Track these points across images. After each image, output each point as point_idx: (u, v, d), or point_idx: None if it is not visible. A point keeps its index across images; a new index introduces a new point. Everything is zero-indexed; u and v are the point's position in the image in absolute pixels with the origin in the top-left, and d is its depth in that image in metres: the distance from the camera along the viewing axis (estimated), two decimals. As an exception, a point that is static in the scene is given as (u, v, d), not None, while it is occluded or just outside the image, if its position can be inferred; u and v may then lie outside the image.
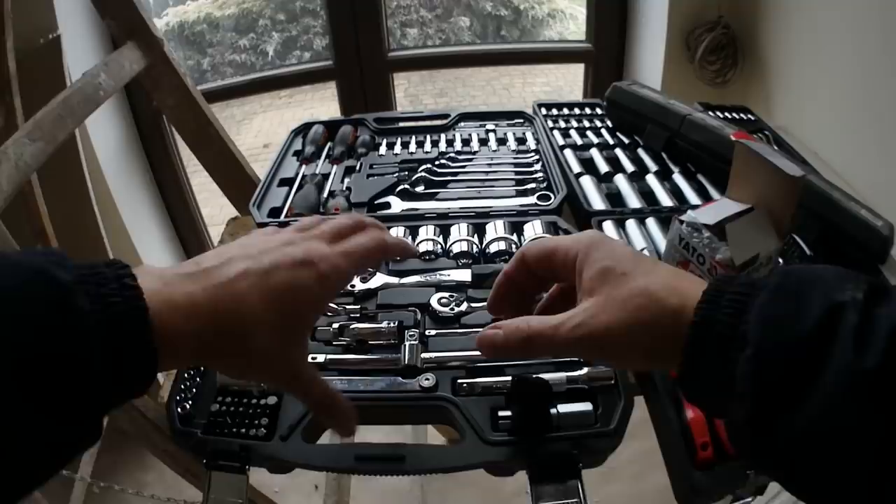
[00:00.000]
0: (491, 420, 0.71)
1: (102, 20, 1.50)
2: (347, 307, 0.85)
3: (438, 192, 1.14)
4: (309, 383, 0.51)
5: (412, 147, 1.29)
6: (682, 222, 0.79)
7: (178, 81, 1.52)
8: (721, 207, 0.81)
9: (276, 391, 0.73)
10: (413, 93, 5.42)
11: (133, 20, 1.44)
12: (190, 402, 0.73)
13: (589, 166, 1.19)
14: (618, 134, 1.30)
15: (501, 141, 1.31)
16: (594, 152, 1.23)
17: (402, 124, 1.40)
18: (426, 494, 1.94)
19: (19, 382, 0.33)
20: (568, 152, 1.23)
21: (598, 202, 1.07)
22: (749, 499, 0.72)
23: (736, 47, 1.93)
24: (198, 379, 0.76)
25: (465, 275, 0.90)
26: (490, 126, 1.37)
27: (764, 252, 0.77)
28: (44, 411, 0.34)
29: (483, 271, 0.90)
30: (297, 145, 1.32)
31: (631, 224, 1.01)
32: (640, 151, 1.23)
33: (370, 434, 0.89)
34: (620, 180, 1.13)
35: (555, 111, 1.42)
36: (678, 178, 1.15)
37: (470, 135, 1.33)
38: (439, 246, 0.98)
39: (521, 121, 1.39)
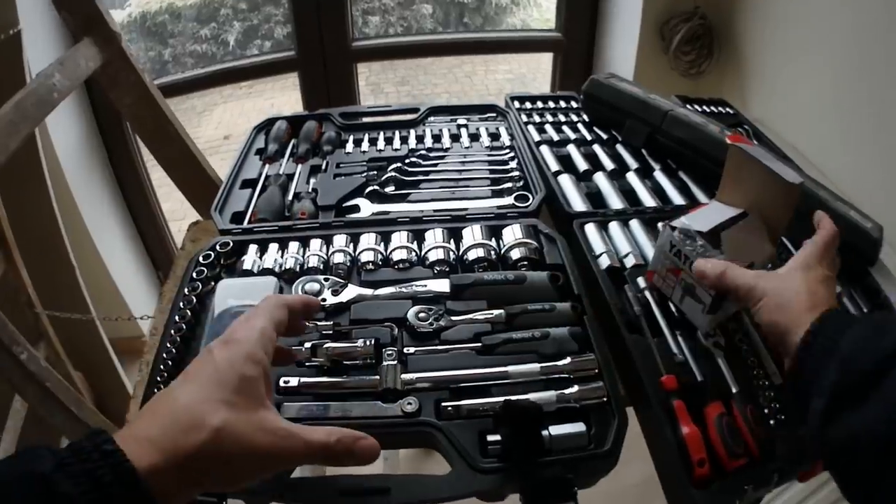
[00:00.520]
0: (479, 445, 0.66)
1: (59, 14, 1.42)
2: (319, 324, 0.79)
3: (410, 193, 1.09)
4: (307, 432, 0.46)
5: (380, 144, 1.23)
6: (673, 229, 0.75)
7: (135, 78, 1.45)
8: (713, 213, 0.77)
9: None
10: (374, 81, 5.33)
11: (90, 14, 1.36)
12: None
13: (567, 164, 1.14)
14: (595, 129, 1.26)
15: (474, 137, 1.26)
16: (571, 148, 1.19)
17: (369, 119, 1.33)
18: None
19: None
20: (544, 148, 1.18)
21: (578, 203, 1.03)
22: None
23: (712, 38, 1.91)
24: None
25: (443, 285, 0.84)
26: (461, 120, 1.31)
27: (759, 260, 0.74)
28: None
29: (462, 281, 0.84)
30: (260, 143, 1.25)
31: (614, 226, 0.97)
32: (619, 147, 1.19)
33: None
34: (600, 178, 1.09)
35: (528, 104, 1.37)
36: (659, 175, 1.11)
37: (441, 130, 1.27)
38: (414, 254, 0.92)
39: (494, 115, 1.34)
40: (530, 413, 0.64)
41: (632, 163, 1.14)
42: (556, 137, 1.23)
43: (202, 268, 0.90)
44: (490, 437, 0.66)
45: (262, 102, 4.97)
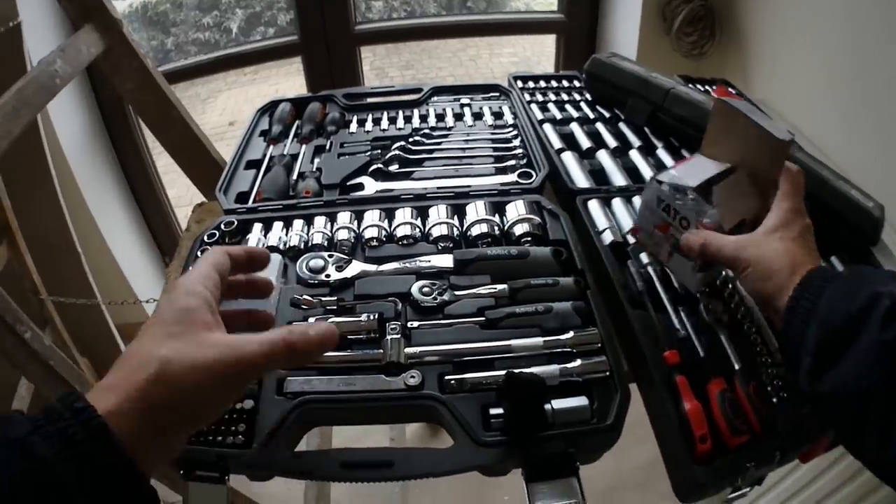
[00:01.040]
0: (482, 419, 0.67)
1: (59, 2, 1.41)
2: (323, 299, 0.79)
3: (414, 171, 1.08)
4: (260, 335, 0.47)
5: (384, 124, 1.23)
6: (660, 183, 0.75)
7: (137, 63, 1.44)
8: (700, 167, 0.76)
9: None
10: (379, 65, 5.31)
11: (89, 2, 1.35)
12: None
13: (570, 141, 1.14)
14: (598, 107, 1.26)
15: (477, 115, 1.25)
16: (574, 127, 1.18)
17: (372, 100, 1.33)
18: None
19: None
20: (547, 127, 1.18)
21: (581, 180, 1.03)
22: (747, 489, 0.69)
23: (714, 19, 1.89)
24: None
25: (446, 261, 0.85)
26: (465, 100, 1.31)
27: (749, 216, 0.73)
28: None
29: (465, 257, 0.85)
30: (264, 125, 1.25)
31: (617, 202, 0.97)
32: (622, 125, 1.19)
33: (353, 432, 0.84)
34: (603, 156, 1.09)
35: (531, 84, 1.36)
36: (662, 153, 1.11)
37: (444, 109, 1.27)
38: (418, 230, 0.93)
39: (497, 94, 1.34)
40: (533, 386, 0.64)
41: (634, 140, 1.14)
42: (558, 116, 1.22)
43: (207, 247, 0.91)
44: (493, 411, 0.66)
45: (267, 88, 4.93)
